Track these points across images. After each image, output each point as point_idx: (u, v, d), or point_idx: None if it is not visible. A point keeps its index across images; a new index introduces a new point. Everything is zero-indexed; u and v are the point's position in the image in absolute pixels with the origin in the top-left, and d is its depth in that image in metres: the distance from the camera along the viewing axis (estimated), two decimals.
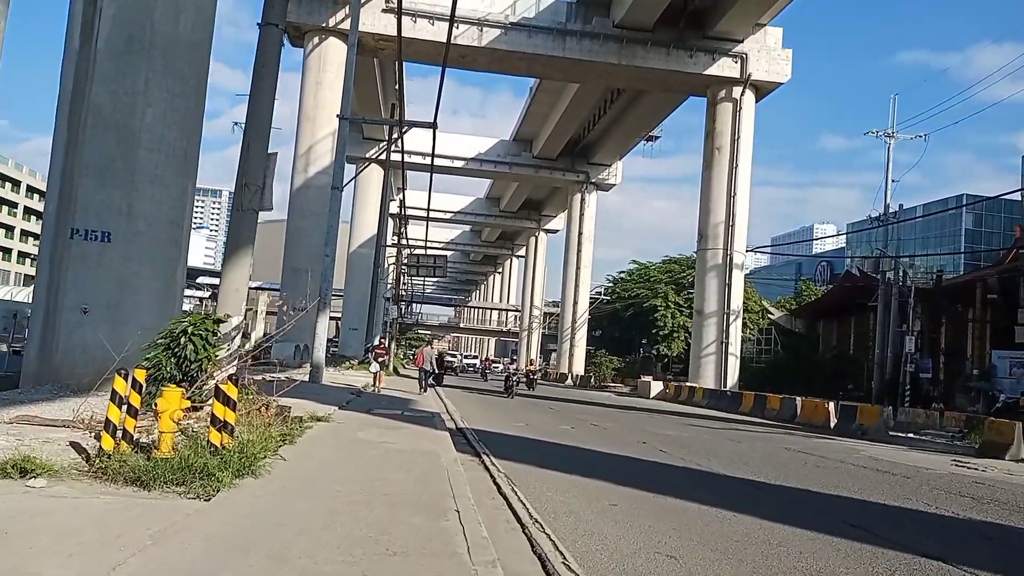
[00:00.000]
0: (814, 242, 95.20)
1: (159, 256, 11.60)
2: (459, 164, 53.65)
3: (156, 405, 6.17)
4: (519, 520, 5.62)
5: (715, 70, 32.70)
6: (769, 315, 52.87)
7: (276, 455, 6.76)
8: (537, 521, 5.57)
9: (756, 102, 33.76)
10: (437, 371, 31.96)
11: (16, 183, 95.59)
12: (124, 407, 6.22)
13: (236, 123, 11.76)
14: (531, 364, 40.14)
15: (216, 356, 9.13)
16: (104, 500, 4.68)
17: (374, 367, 20.65)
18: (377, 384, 19.84)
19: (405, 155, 46.60)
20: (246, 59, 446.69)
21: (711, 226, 33.03)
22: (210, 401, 9.86)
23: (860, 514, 7.11)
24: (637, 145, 51.66)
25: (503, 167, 54.10)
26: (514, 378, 26.32)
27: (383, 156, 38.54)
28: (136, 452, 6.23)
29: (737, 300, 32.86)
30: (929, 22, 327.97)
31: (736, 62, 32.80)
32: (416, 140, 49.01)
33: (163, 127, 11.47)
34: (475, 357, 75.96)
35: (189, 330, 8.86)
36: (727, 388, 31.32)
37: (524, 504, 6.21)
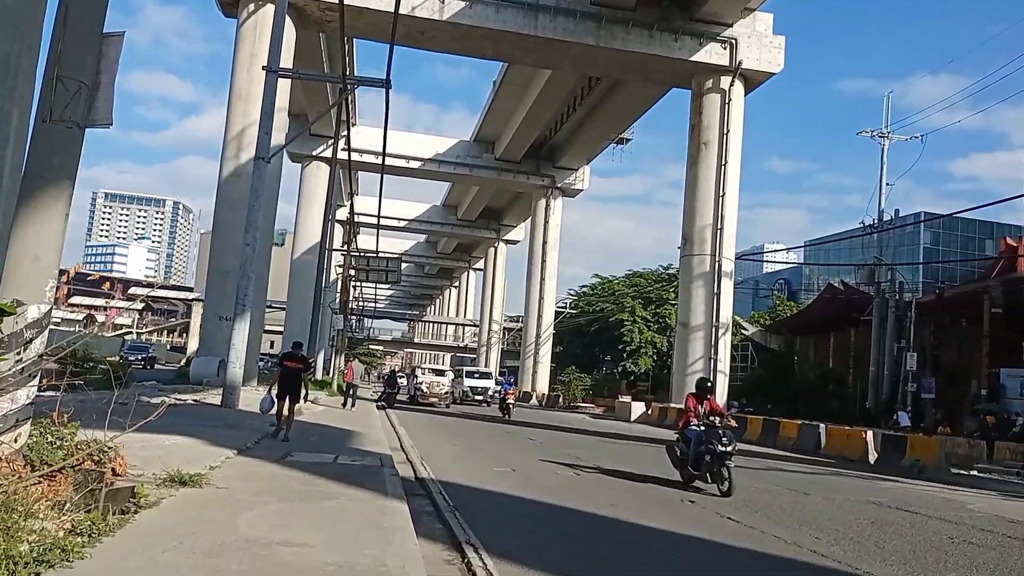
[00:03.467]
0: (768, 255, 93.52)
1: None
2: (415, 165, 49.55)
3: None
4: None
5: (702, 56, 29.49)
6: (743, 331, 50.01)
7: None
8: None
9: (745, 94, 30.69)
10: (388, 391, 27.79)
11: None
12: None
13: None
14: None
15: None
16: None
17: (267, 397, 10.90)
18: (283, 421, 10.80)
19: (356, 154, 42.54)
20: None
21: (697, 229, 29.66)
22: None
23: None
24: (606, 148, 48.49)
25: (463, 169, 50.21)
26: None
27: (337, 152, 34.20)
28: None
29: (726, 311, 29.52)
30: (872, 52, 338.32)
31: (725, 48, 29.67)
32: (367, 138, 45.01)
33: None
34: (484, 375, 39.74)
35: None
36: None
37: None
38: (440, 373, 34.91)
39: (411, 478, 8.88)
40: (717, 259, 29.00)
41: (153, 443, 7.81)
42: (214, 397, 16.09)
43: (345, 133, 34.62)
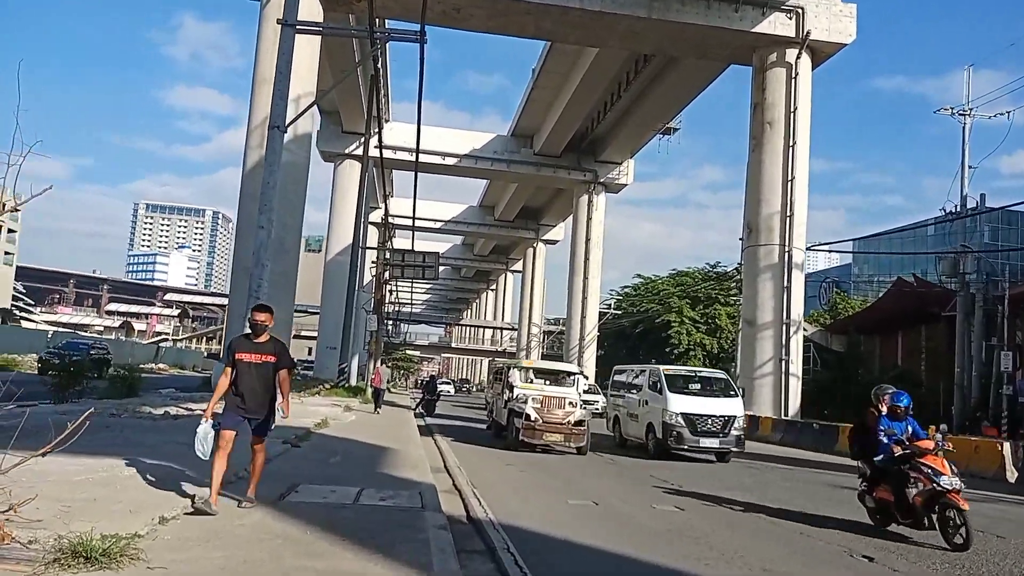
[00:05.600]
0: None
1: None
2: (451, 162, 47.43)
3: None
4: None
5: (765, 27, 26.74)
6: (802, 330, 46.81)
7: None
8: None
9: (813, 68, 27.85)
10: (428, 398, 25.61)
11: None
12: None
13: None
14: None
15: None
16: None
17: (206, 428, 5.55)
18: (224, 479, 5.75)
19: (390, 151, 40.57)
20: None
21: (763, 217, 26.85)
22: None
23: None
24: (651, 139, 45.77)
25: (500, 165, 47.87)
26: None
27: (373, 149, 32.28)
28: None
29: (798, 307, 26.65)
30: (906, 48, 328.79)
31: (791, 18, 26.89)
32: (400, 135, 43.01)
33: None
34: (712, 385, 17.55)
35: None
36: (789, 416, 25.07)
37: None
38: (558, 378, 17.14)
39: (462, 518, 6.52)
40: (787, 249, 26.18)
41: (100, 476, 5.55)
42: None
43: (377, 130, 32.71)
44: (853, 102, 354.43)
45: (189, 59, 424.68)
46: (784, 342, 25.99)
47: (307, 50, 24.66)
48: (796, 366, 26.44)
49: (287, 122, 12.76)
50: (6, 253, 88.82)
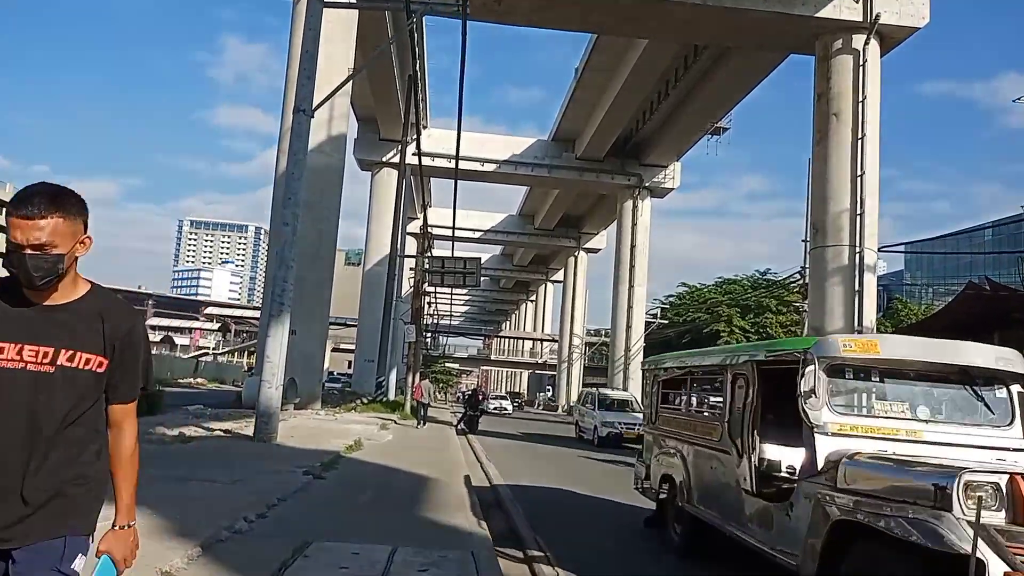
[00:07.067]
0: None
1: None
2: (490, 168, 46.16)
3: None
4: None
5: (830, 11, 24.75)
6: None
7: None
8: None
9: (882, 55, 25.74)
10: (470, 413, 24.06)
11: None
12: None
13: None
14: None
15: None
16: None
17: None
18: None
19: (428, 158, 39.41)
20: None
21: (830, 216, 24.73)
22: None
23: None
24: (700, 140, 43.87)
25: (541, 171, 46.49)
26: None
27: (411, 156, 31.23)
28: None
29: (871, 313, 24.44)
30: (952, 52, 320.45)
31: (857, 1, 24.87)
32: (439, 141, 41.89)
33: None
34: None
35: None
36: None
37: None
38: (949, 391, 5.06)
39: None
40: (858, 250, 24.03)
41: None
42: (250, 428, 12.46)
43: (416, 135, 31.53)
44: (894, 106, 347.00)
45: (234, 80, 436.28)
46: None
47: (341, 47, 23.52)
48: None
49: (314, 106, 11.33)
50: None
